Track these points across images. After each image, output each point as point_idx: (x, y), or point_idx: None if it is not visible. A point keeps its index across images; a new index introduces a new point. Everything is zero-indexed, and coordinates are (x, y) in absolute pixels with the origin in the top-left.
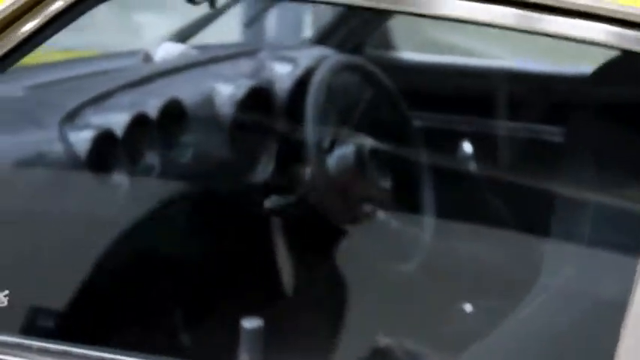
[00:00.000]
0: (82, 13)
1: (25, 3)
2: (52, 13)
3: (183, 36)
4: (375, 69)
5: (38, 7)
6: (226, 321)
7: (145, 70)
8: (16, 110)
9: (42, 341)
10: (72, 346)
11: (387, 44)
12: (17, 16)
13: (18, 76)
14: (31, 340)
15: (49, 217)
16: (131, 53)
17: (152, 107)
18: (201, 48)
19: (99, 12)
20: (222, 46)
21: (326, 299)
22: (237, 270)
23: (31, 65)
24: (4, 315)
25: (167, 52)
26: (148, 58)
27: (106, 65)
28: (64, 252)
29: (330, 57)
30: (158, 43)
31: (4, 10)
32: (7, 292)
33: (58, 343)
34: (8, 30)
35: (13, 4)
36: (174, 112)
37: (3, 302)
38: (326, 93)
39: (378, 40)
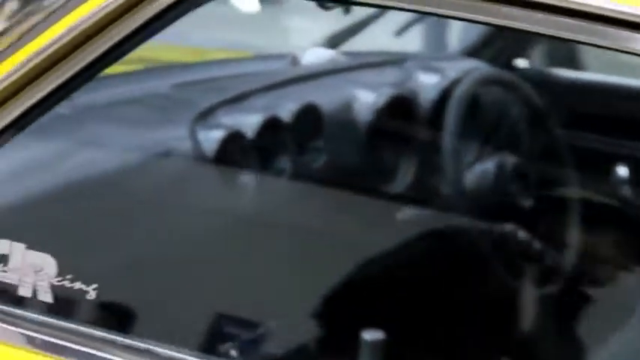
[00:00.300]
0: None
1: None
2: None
3: (333, 42)
4: (523, 84)
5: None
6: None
7: (286, 74)
8: (157, 107)
9: (128, 338)
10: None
11: (568, 61)
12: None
13: (168, 73)
14: (117, 335)
15: (169, 213)
16: (280, 56)
17: (287, 111)
18: (350, 55)
19: (255, 15)
20: (370, 54)
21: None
22: (366, 279)
23: (181, 63)
24: (93, 308)
25: (315, 56)
26: (295, 62)
27: (254, 67)
28: (183, 250)
29: (477, 69)
30: (307, 48)
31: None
32: (96, 285)
33: (143, 341)
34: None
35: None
36: (309, 116)
37: (91, 295)
38: (470, 106)
39: (548, 56)
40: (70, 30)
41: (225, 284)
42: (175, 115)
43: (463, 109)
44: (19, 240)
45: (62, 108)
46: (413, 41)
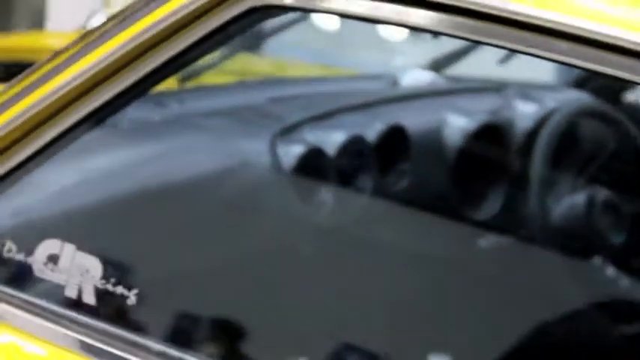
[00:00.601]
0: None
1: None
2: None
3: (437, 65)
4: (623, 119)
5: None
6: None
7: (378, 95)
8: (248, 119)
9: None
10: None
11: None
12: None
13: (266, 87)
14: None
15: (236, 224)
16: (381, 77)
17: (373, 131)
18: (450, 79)
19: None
20: (471, 80)
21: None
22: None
23: (280, 78)
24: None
25: (416, 78)
26: (395, 83)
27: (354, 86)
28: (249, 266)
29: (576, 101)
30: (409, 69)
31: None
32: (136, 290)
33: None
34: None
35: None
36: (395, 138)
37: (132, 300)
38: (563, 137)
39: None
40: (129, 41)
41: (285, 298)
42: (264, 128)
43: (555, 139)
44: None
45: (154, 114)
46: (519, 70)
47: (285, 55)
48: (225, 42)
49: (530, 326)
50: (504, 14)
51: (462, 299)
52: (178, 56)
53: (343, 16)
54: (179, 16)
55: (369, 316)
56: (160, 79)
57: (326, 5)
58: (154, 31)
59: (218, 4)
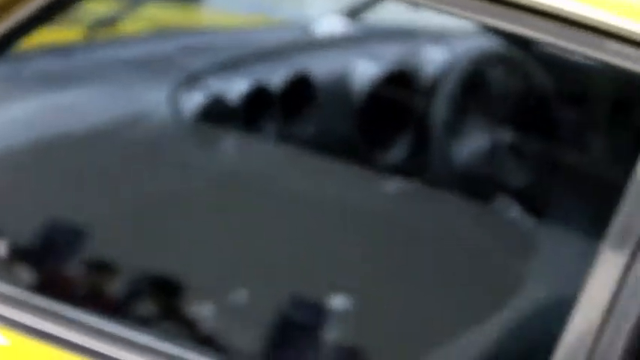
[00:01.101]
0: None
1: None
2: None
3: (354, 12)
4: (529, 63)
5: None
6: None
7: (290, 43)
8: (154, 69)
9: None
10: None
11: None
12: None
13: (178, 37)
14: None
15: (140, 177)
16: (296, 26)
17: (279, 79)
18: (364, 26)
19: None
20: (384, 27)
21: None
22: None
23: (195, 28)
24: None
25: (331, 26)
26: (310, 30)
27: (268, 35)
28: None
29: (484, 46)
30: (324, 17)
31: None
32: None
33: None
34: None
35: None
36: (301, 85)
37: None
38: (468, 82)
39: None
40: None
41: (189, 248)
42: (170, 78)
43: (459, 84)
44: None
45: (59, 64)
46: (433, 16)
47: (209, 4)
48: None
49: (434, 268)
50: None
51: (368, 243)
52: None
53: None
54: None
55: (275, 262)
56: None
57: None
58: None
59: None
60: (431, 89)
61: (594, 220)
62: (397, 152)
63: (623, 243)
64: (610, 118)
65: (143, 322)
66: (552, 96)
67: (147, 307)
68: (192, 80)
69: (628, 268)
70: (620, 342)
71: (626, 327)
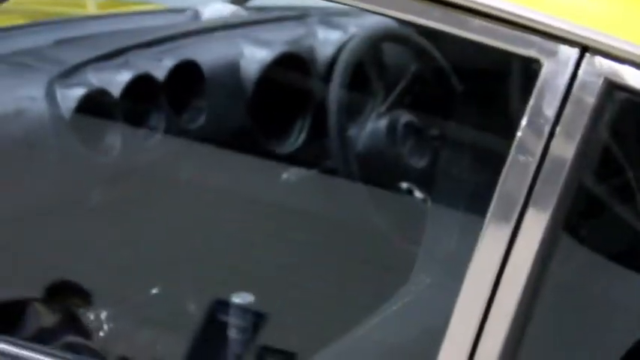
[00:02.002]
0: None
1: None
2: None
3: None
4: (422, 40)
5: None
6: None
7: (175, 30)
8: (27, 64)
9: None
10: None
11: None
12: None
13: (53, 29)
14: None
15: (17, 179)
16: (181, 11)
17: (163, 68)
18: (253, 10)
19: None
20: (275, 10)
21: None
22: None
23: (72, 17)
24: None
25: (217, 11)
26: (196, 16)
27: (151, 21)
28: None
29: (377, 24)
30: (210, 1)
31: None
32: None
33: None
34: None
35: None
36: (187, 74)
37: None
38: (361, 62)
39: None
40: None
41: (73, 251)
42: (44, 73)
43: (351, 65)
44: None
45: None
46: None
47: None
48: None
49: (335, 257)
50: None
51: (266, 235)
52: None
53: None
54: None
55: (174, 259)
56: None
57: None
58: None
59: None
60: (324, 71)
61: (481, 198)
62: (293, 140)
63: (504, 222)
64: (489, 94)
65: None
66: (443, 73)
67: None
68: (69, 74)
69: (509, 248)
70: (502, 330)
71: (508, 314)
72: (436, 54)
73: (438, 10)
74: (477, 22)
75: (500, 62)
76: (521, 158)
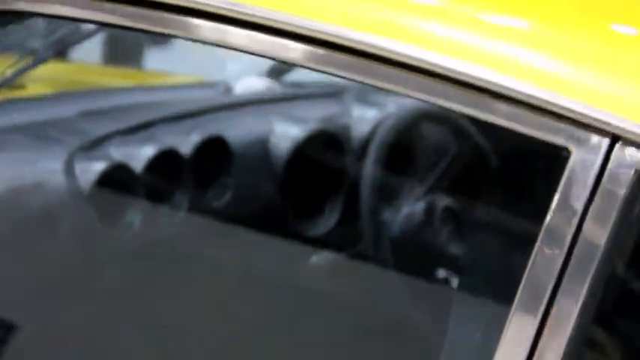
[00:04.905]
0: None
1: None
2: None
3: (277, 71)
4: (461, 121)
5: None
6: None
7: (204, 104)
8: (49, 136)
9: None
10: None
11: None
12: None
13: (78, 99)
14: None
15: (34, 254)
16: (213, 84)
17: (189, 143)
18: (288, 85)
19: None
20: (310, 86)
21: None
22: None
23: (102, 87)
24: None
25: (250, 86)
26: (228, 90)
27: (181, 95)
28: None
29: (415, 104)
30: (243, 76)
31: None
32: None
33: None
34: None
35: None
36: (215, 149)
37: None
38: (397, 142)
39: None
40: None
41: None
42: (66, 145)
43: (387, 145)
44: None
45: None
46: None
47: (116, 62)
48: None
49: (365, 348)
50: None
51: (292, 322)
52: None
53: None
54: None
55: (195, 344)
56: None
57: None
58: None
59: None
60: (359, 150)
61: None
62: (324, 222)
63: (531, 314)
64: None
65: None
66: (480, 155)
67: None
68: (91, 147)
69: (535, 342)
70: None
71: None
72: (474, 135)
73: (465, 94)
74: (505, 107)
75: (530, 147)
76: (549, 247)
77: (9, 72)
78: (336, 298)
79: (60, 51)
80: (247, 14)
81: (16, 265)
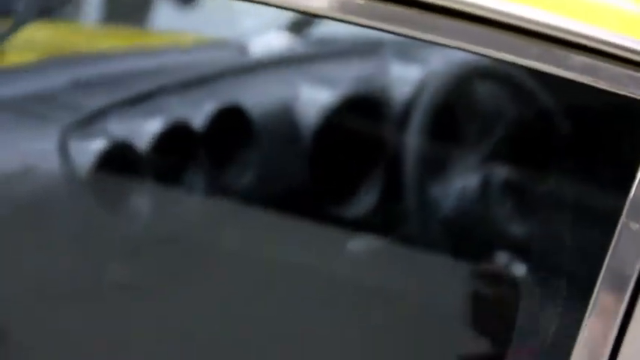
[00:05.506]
0: None
1: None
2: None
3: (299, 25)
4: (528, 79)
5: None
6: None
7: (217, 67)
8: (38, 111)
9: None
10: None
11: None
12: None
13: (68, 67)
14: None
15: (26, 248)
16: (225, 43)
17: (202, 114)
18: (314, 42)
19: None
20: (341, 42)
21: None
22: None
23: (99, 52)
24: None
25: (268, 44)
26: (242, 51)
27: (188, 58)
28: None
29: (466, 59)
30: (260, 33)
31: None
32: None
33: None
34: None
35: None
36: (233, 121)
37: None
38: (445, 105)
39: None
40: None
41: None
42: (57, 122)
43: (433, 108)
44: None
45: None
46: None
47: (112, 20)
48: None
49: (408, 344)
50: None
51: (328, 315)
52: None
53: None
54: None
55: (208, 342)
56: None
57: None
58: None
59: None
60: (401, 117)
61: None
62: (362, 202)
63: (616, 300)
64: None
65: None
66: (548, 117)
67: None
68: (87, 122)
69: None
70: None
71: None
72: (539, 94)
73: (535, 47)
74: (579, 58)
75: (610, 106)
76: (637, 222)
77: None
78: (377, 289)
79: (45, 10)
80: None
81: (7, 262)
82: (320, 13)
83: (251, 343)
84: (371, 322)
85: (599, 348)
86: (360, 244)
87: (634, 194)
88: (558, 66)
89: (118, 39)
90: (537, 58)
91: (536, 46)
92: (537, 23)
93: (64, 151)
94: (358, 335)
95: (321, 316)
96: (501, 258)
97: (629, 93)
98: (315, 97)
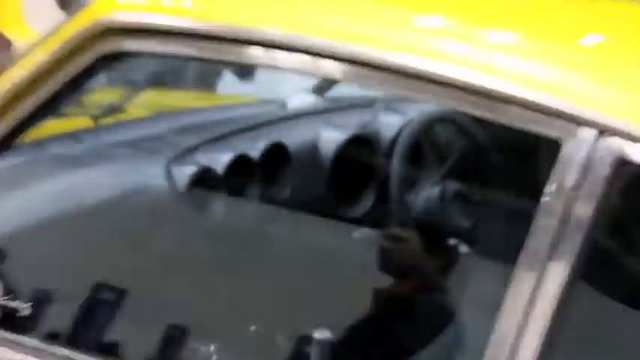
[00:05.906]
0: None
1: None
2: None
3: (321, 88)
4: (467, 122)
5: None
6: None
7: (266, 117)
8: (150, 148)
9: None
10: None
11: None
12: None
13: (171, 118)
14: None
15: (143, 242)
16: (271, 101)
17: (257, 149)
18: (329, 99)
19: None
20: (346, 99)
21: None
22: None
23: (187, 109)
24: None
25: (300, 101)
26: (283, 105)
27: (246, 111)
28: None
29: (432, 109)
30: (294, 93)
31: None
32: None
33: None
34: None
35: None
36: (277, 154)
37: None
38: (417, 140)
39: None
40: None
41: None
42: (163, 155)
43: (409, 143)
44: None
45: (70, 149)
46: None
47: (191, 87)
48: (82, 87)
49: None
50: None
51: (342, 283)
52: (46, 103)
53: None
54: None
55: (267, 303)
56: (27, 127)
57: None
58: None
59: (70, 56)
60: (387, 149)
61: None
62: (362, 206)
63: (531, 271)
64: (521, 166)
65: None
66: (484, 149)
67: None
68: (183, 155)
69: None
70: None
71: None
72: (478, 133)
73: (479, 100)
74: (511, 109)
75: (530, 140)
76: (545, 218)
77: (117, 100)
78: (372, 264)
79: (154, 81)
80: (302, 44)
81: (136, 247)
82: (335, 78)
83: (294, 294)
84: (361, 284)
85: None
86: (361, 233)
87: (546, 199)
88: (490, 113)
89: (201, 100)
90: (475, 108)
91: (475, 99)
92: (478, 85)
93: (168, 174)
94: (355, 290)
95: (333, 279)
96: (452, 241)
97: (533, 130)
98: (331, 137)
